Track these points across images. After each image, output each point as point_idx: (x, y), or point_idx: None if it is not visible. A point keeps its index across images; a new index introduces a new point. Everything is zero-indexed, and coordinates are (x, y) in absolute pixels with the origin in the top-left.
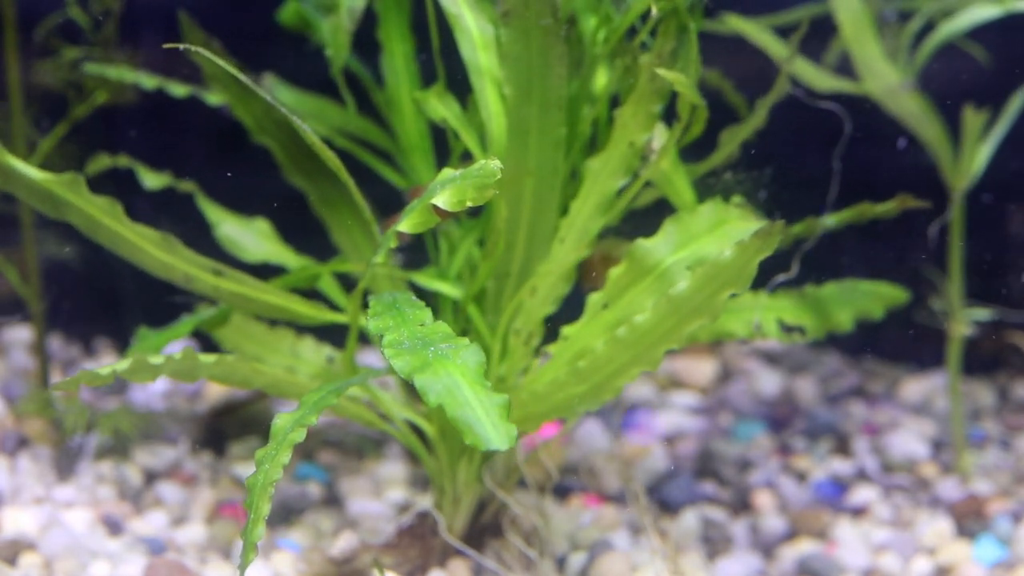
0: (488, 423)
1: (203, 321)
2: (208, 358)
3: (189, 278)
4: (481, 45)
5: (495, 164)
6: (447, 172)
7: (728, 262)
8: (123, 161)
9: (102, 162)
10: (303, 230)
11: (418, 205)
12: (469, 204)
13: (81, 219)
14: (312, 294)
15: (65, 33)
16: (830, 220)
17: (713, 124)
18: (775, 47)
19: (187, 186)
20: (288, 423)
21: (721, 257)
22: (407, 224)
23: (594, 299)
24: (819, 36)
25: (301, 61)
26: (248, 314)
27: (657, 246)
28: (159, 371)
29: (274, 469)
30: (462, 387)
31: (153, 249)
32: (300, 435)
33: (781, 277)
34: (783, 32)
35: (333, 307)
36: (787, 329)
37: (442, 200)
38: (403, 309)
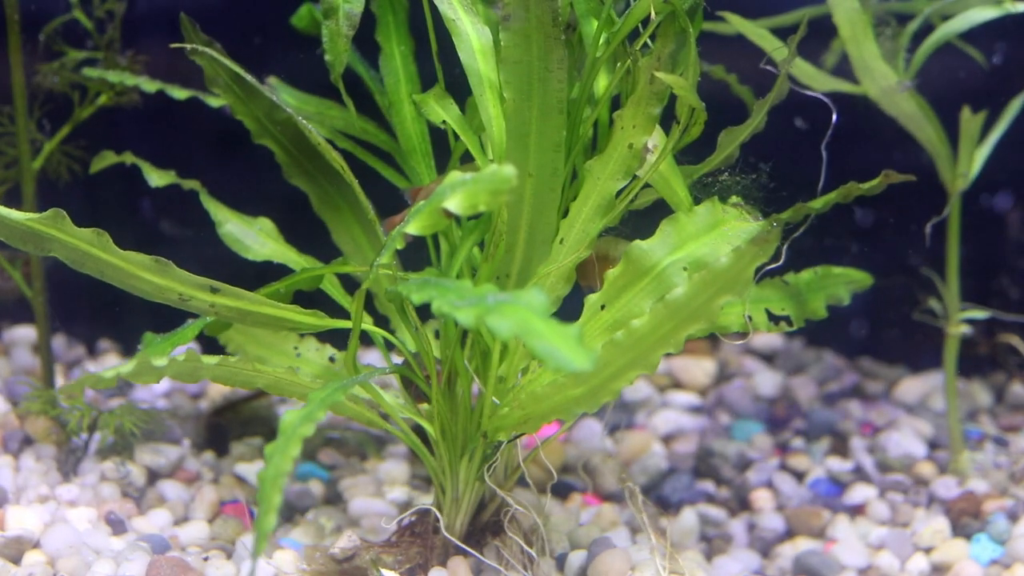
0: (566, 348)
1: (208, 325)
2: (210, 359)
3: (184, 298)
4: (479, 48)
5: (509, 169)
6: (455, 175)
7: (724, 268)
8: (128, 159)
9: (107, 159)
10: (303, 232)
11: (426, 207)
12: (482, 209)
13: (67, 253)
14: (313, 296)
15: (69, 35)
16: (817, 203)
17: (717, 125)
18: (778, 50)
19: (191, 184)
20: (296, 419)
21: (717, 263)
22: (415, 226)
23: (592, 300)
24: (820, 36)
25: (303, 64)
26: (249, 325)
27: (654, 247)
28: (162, 373)
29: (284, 461)
30: (533, 321)
31: (146, 274)
32: (309, 429)
33: (769, 266)
34: (783, 33)
35: (335, 307)
36: (775, 320)
37: (453, 204)
38: (441, 284)
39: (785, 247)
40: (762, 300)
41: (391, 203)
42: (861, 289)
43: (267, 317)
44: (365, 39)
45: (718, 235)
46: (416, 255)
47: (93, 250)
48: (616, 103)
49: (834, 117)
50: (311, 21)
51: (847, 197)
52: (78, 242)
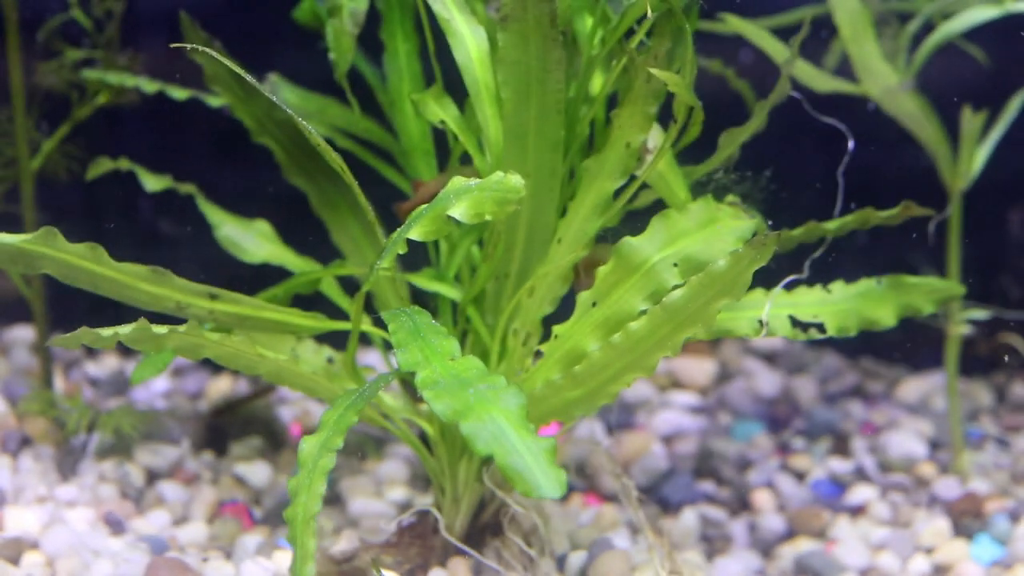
0: (538, 470)
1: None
2: (213, 336)
3: (182, 306)
4: (474, 49)
5: (516, 179)
6: (459, 180)
7: (722, 271)
8: (124, 164)
9: (103, 166)
10: (303, 231)
11: (429, 213)
12: (488, 218)
13: (59, 269)
14: (312, 296)
15: (68, 34)
16: (831, 225)
17: (718, 127)
18: (777, 50)
19: (188, 188)
20: (315, 448)
21: (715, 266)
22: (417, 231)
23: (583, 297)
24: (819, 36)
25: (305, 61)
26: (248, 331)
27: (643, 244)
28: (163, 342)
29: (312, 500)
30: (508, 433)
31: (142, 284)
32: (330, 461)
33: (792, 278)
34: (782, 33)
35: (334, 307)
36: (803, 326)
37: (459, 212)
38: (427, 337)
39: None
40: (788, 306)
41: (391, 202)
42: (949, 299)
43: (267, 322)
44: (367, 36)
45: (711, 232)
46: (415, 253)
47: (86, 264)
48: (612, 101)
49: (850, 144)
50: (313, 15)
51: (864, 224)
52: (70, 257)
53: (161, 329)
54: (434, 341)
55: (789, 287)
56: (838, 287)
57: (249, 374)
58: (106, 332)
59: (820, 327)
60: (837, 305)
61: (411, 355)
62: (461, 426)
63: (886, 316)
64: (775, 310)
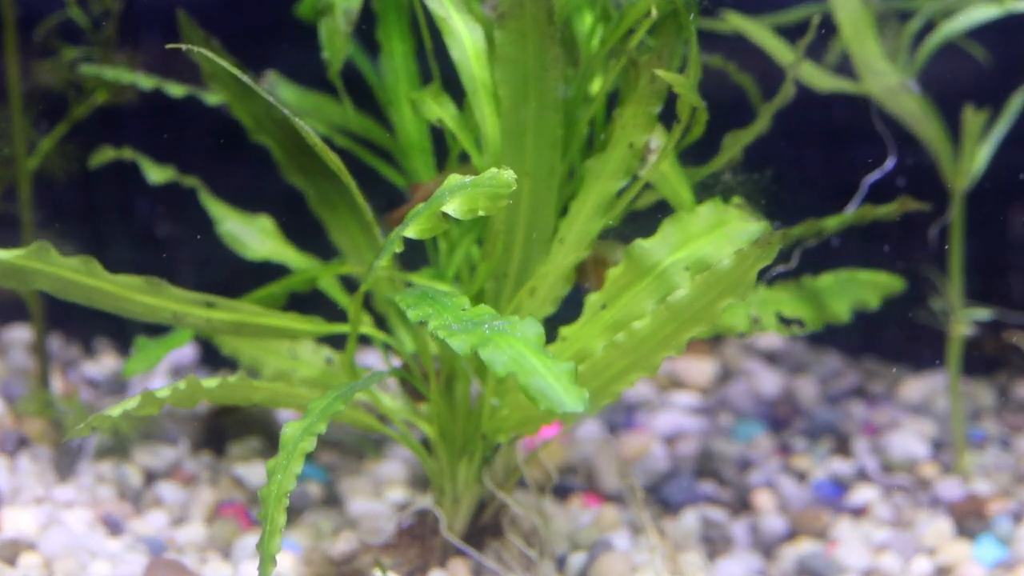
0: (560, 388)
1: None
2: (210, 383)
3: (179, 316)
4: (471, 47)
5: (508, 174)
6: (455, 177)
7: (727, 270)
8: (127, 154)
9: (106, 155)
10: (304, 230)
11: (425, 211)
12: (481, 213)
13: (52, 283)
14: (311, 294)
15: (65, 33)
16: (831, 222)
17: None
18: (778, 49)
19: (190, 181)
20: (297, 432)
21: (720, 265)
22: (414, 230)
23: (592, 299)
24: (820, 35)
25: (305, 58)
26: (246, 336)
27: (655, 247)
28: (164, 402)
29: (287, 479)
30: (528, 356)
31: (138, 296)
32: (310, 444)
33: (780, 268)
34: (783, 32)
35: (333, 306)
36: (786, 322)
37: (452, 208)
38: (438, 299)
39: (798, 253)
40: (773, 302)
41: (389, 200)
42: (892, 294)
43: (265, 328)
44: (368, 34)
45: (720, 235)
46: (415, 251)
47: (81, 278)
48: (612, 99)
49: (890, 162)
50: (315, 11)
51: (862, 220)
52: (64, 272)
53: (164, 392)
54: (443, 300)
55: (771, 282)
56: (807, 282)
57: (247, 404)
58: (115, 411)
59: (800, 323)
60: (807, 301)
61: (421, 310)
62: (480, 353)
63: (842, 310)
64: (765, 307)
